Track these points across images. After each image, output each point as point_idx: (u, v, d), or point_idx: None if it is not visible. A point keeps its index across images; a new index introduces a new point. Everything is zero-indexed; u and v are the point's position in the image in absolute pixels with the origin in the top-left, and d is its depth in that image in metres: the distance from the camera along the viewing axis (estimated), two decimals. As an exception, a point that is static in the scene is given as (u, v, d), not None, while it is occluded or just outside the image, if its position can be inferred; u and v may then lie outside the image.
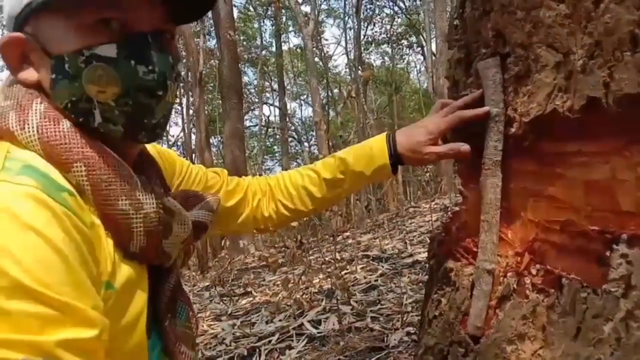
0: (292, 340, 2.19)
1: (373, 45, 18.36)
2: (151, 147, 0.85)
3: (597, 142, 0.72)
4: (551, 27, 0.74)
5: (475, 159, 0.87)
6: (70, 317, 0.50)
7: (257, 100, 20.00)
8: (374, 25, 17.76)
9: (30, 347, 0.46)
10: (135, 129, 0.65)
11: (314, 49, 12.98)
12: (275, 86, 19.82)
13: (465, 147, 0.89)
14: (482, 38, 0.86)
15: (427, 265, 2.77)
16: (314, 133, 16.86)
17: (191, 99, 11.82)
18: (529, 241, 0.80)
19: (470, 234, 0.90)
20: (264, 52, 19.12)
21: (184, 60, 9.32)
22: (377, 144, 0.99)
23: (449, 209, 4.12)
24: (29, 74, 0.64)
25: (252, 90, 19.79)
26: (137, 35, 0.62)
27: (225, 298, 3.35)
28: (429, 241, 1.04)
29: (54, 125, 0.60)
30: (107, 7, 0.61)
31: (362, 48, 16.70)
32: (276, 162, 21.46)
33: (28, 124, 0.60)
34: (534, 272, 0.77)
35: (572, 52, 0.72)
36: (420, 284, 2.56)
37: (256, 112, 20.75)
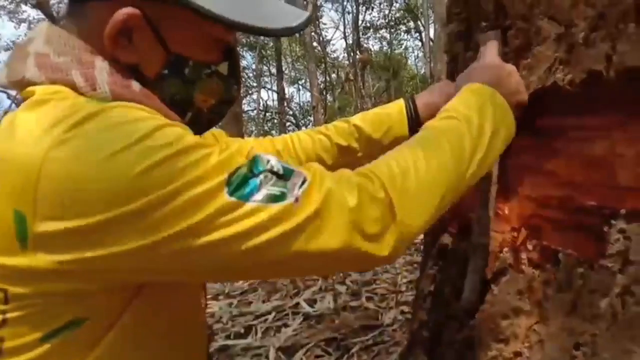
0: (288, 319, 2.20)
1: (371, 30, 18.23)
2: None
3: (597, 116, 0.71)
4: (553, -2, 0.73)
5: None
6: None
7: (255, 84, 19.88)
8: (372, 9, 17.64)
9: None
10: (206, 129, 0.72)
11: (313, 33, 12.89)
12: (274, 70, 19.68)
13: None
14: (483, 10, 0.84)
15: (422, 247, 2.79)
16: (311, 117, 16.82)
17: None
18: (526, 217, 0.79)
19: (467, 210, 0.89)
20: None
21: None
22: (396, 113, 0.95)
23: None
24: (129, 56, 0.59)
25: (250, 75, 19.67)
26: (234, 53, 0.66)
27: (221, 279, 3.36)
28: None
29: (126, 85, 0.58)
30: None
31: (361, 33, 16.60)
32: (273, 147, 21.35)
33: (98, 84, 0.56)
34: (530, 247, 0.77)
35: (574, 24, 0.71)
36: (415, 265, 2.57)
37: (254, 97, 20.70)
